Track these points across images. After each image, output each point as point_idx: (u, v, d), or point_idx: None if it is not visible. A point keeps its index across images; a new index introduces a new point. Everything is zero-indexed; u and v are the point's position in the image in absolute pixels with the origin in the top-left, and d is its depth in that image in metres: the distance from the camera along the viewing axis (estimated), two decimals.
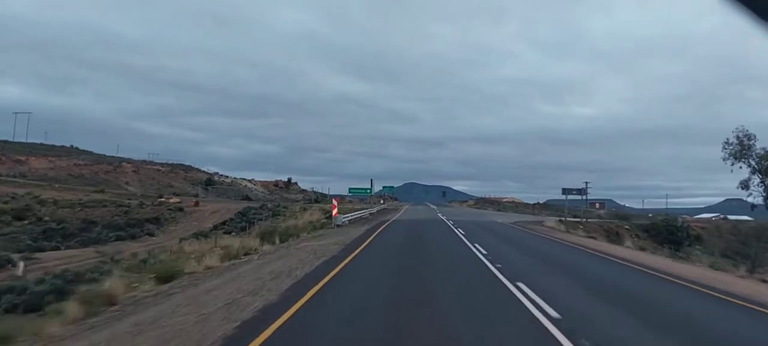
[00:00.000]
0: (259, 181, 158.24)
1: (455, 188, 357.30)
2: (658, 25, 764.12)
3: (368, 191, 63.60)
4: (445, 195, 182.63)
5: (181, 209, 75.70)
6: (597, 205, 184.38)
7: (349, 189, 65.25)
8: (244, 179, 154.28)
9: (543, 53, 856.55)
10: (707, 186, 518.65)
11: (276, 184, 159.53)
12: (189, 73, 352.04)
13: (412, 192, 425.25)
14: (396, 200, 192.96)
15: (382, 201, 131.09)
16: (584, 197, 63.01)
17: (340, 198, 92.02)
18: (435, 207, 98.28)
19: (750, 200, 53.37)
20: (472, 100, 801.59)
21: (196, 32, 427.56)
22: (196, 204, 79.19)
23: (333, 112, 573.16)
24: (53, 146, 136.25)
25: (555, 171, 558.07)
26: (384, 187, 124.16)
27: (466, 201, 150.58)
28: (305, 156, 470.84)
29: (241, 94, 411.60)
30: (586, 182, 62.89)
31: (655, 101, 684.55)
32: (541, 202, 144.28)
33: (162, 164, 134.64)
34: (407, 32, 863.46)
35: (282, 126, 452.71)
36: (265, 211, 77.27)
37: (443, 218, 52.67)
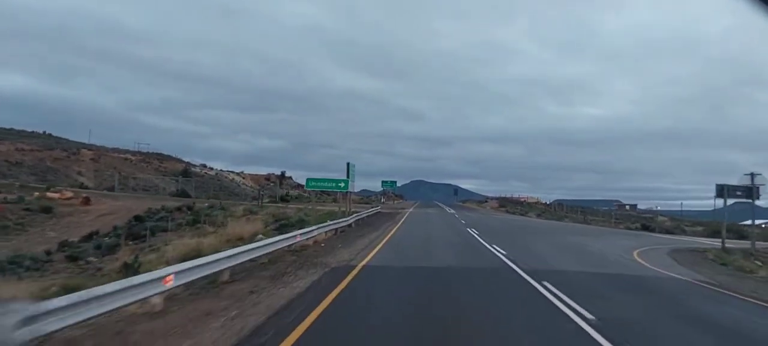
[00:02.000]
0: (249, 174, 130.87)
1: (463, 186, 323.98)
2: (669, 26, 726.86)
3: (342, 185, 29.61)
4: (457, 193, 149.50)
5: (48, 210, 43.38)
6: (627, 206, 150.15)
7: (308, 181, 32.11)
8: (232, 172, 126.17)
9: (552, 52, 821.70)
10: (714, 189, 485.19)
11: (268, 178, 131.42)
12: (195, 65, 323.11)
13: (419, 190, 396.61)
14: (401, 198, 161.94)
15: (383, 199, 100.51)
16: (753, 201, 29.53)
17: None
18: (452, 211, 65.12)
19: None
20: (480, 99, 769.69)
21: (202, 24, 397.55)
22: (86, 202, 46.94)
23: (340, 108, 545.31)
24: (22, 132, 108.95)
25: (561, 171, 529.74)
26: (384, 182, 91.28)
27: (485, 201, 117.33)
28: (311, 152, 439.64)
29: (248, 88, 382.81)
30: (752, 174, 29.16)
31: (663, 103, 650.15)
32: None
33: (133, 152, 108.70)
34: (416, 29, 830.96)
35: (288, 121, 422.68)
36: (185, 214, 45.55)
37: (500, 253, 19.39)
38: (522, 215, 72.22)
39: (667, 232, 58.64)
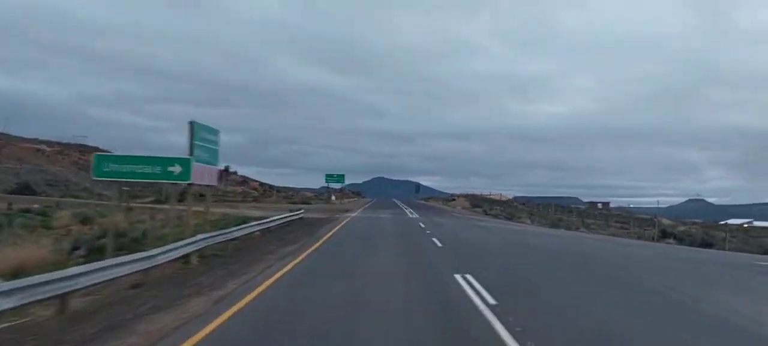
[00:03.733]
0: None
1: (424, 183, 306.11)
2: (630, 24, 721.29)
3: (176, 169, 7.98)
4: (419, 191, 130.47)
5: None
6: (599, 205, 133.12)
7: (97, 162, 10.72)
8: None
9: (514, 49, 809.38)
10: (670, 186, 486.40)
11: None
12: (154, 59, 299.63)
13: (380, 187, 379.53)
14: (359, 195, 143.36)
15: (334, 197, 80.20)
16: None
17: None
18: (414, 215, 45.41)
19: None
20: (442, 96, 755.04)
21: (161, 16, 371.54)
22: None
23: (303, 103, 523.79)
24: None
25: (520, 168, 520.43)
26: (328, 176, 70.88)
27: (453, 199, 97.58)
28: (272, 148, 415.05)
29: (208, 82, 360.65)
30: None
31: (624, 101, 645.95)
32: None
33: (49, 143, 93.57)
34: (379, 24, 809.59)
35: (250, 116, 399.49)
36: None
37: None
38: (508, 218, 52.49)
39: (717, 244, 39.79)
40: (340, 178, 73.70)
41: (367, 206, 69.37)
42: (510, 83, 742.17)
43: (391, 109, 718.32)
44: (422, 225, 31.95)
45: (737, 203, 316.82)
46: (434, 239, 22.10)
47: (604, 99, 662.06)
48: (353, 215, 42.36)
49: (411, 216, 43.55)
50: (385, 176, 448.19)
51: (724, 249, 36.11)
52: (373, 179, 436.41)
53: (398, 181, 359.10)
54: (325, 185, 75.21)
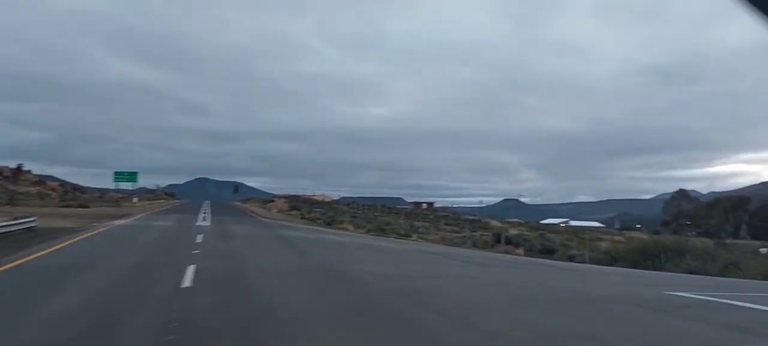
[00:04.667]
0: None
1: (249, 184, 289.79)
2: (451, 31, 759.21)
3: None
4: (238, 190, 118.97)
5: None
6: (424, 205, 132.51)
7: None
8: None
9: (341, 51, 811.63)
10: (488, 187, 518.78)
11: None
12: None
13: (202, 187, 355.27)
14: (171, 197, 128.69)
15: (136, 199, 66.07)
16: None
17: None
18: (206, 221, 35.42)
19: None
20: (268, 95, 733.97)
21: None
22: None
23: (116, 98, 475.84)
24: None
25: (346, 169, 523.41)
26: (117, 174, 57.62)
27: (272, 201, 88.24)
28: (83, 146, 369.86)
29: (6, 74, 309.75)
30: None
31: (443, 105, 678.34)
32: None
33: None
34: (202, 19, 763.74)
35: (56, 112, 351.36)
36: None
37: None
38: (327, 223, 43.83)
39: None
40: (133, 176, 60.25)
41: (163, 209, 57.23)
42: (337, 84, 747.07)
43: (216, 107, 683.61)
44: (200, 238, 22.01)
45: (547, 202, 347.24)
46: (189, 269, 12.65)
47: (425, 102, 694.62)
48: (121, 222, 31.04)
49: (199, 223, 32.73)
50: (209, 177, 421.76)
51: (570, 258, 31.35)
52: (196, 180, 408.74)
53: (222, 182, 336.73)
54: (114, 183, 61.24)
